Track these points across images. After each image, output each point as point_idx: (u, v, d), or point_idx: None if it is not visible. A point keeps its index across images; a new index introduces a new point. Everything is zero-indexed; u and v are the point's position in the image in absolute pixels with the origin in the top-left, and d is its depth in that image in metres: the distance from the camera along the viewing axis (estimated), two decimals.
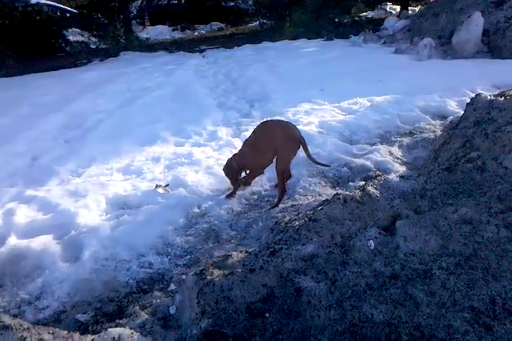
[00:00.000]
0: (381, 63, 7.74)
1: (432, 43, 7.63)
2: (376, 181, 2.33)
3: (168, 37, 18.38)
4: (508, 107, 2.32)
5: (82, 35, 16.64)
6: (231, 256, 2.30)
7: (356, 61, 8.21)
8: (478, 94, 2.75)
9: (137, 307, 2.38)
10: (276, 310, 1.84)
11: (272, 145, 3.15)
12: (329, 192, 3.42)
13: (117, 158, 4.43)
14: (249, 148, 3.39)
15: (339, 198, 2.19)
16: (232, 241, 3.00)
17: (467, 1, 8.13)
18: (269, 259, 2.04)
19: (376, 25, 12.19)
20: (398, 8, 17.21)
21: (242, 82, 7.56)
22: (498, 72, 6.17)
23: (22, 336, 1.57)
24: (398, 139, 4.31)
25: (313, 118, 4.99)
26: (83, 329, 2.24)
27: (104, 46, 14.62)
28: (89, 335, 1.77)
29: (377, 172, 3.60)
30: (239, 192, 3.55)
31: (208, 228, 3.14)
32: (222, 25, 20.61)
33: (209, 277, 2.09)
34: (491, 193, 2.06)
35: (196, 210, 3.35)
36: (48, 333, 1.65)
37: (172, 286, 2.56)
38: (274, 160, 3.24)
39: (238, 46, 12.46)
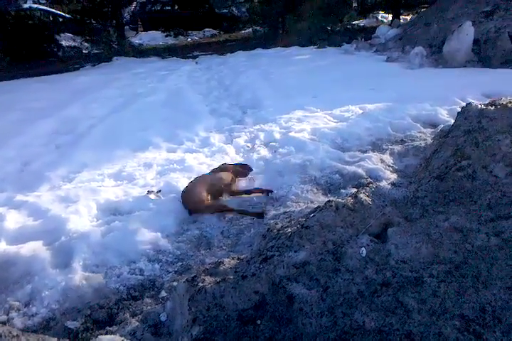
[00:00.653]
0: (373, 71, 7.80)
1: (423, 52, 7.71)
2: (368, 188, 2.35)
3: (161, 42, 18.41)
4: (498, 116, 2.35)
5: (75, 40, 16.64)
6: (223, 262, 2.29)
7: (348, 69, 8.26)
8: (469, 103, 2.79)
9: (128, 314, 2.36)
10: (267, 317, 1.84)
11: None
12: (321, 199, 3.43)
13: (109, 163, 4.41)
14: None
15: (331, 205, 2.20)
16: (224, 247, 2.99)
17: (458, 10, 8.25)
18: (261, 266, 2.05)
19: (368, 33, 12.29)
20: (390, 16, 17.39)
21: (234, 88, 7.58)
22: (488, 81, 6.23)
23: None
24: (390, 147, 4.33)
25: (305, 125, 5.01)
26: (73, 336, 2.23)
27: (96, 51, 14.61)
28: None
29: (369, 180, 3.62)
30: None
31: (200, 234, 3.14)
32: (215, 31, 20.68)
33: (201, 284, 2.09)
34: (481, 201, 2.08)
35: (188, 217, 3.34)
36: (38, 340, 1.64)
37: (163, 293, 2.55)
38: None
39: (231, 53, 12.51)
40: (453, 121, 4.66)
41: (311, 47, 11.91)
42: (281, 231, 2.29)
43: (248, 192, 3.63)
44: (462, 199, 2.13)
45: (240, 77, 8.39)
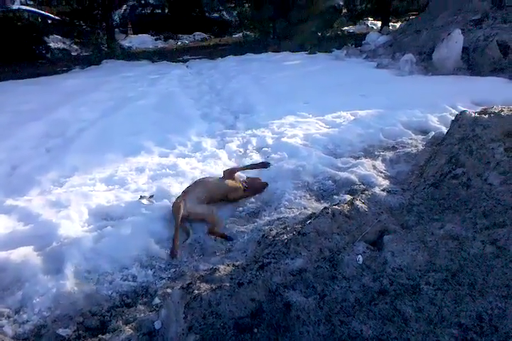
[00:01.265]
0: (363, 77, 7.85)
1: (413, 59, 7.79)
2: (364, 195, 2.35)
3: (150, 46, 18.31)
4: (491, 125, 2.38)
5: (64, 43, 16.50)
6: (218, 269, 2.28)
7: (339, 75, 8.31)
8: (463, 112, 2.82)
9: (121, 322, 2.33)
10: (264, 326, 1.82)
11: None
12: (314, 205, 3.43)
13: (100, 168, 4.37)
14: None
15: (328, 212, 2.20)
16: (218, 253, 2.98)
17: (447, 18, 8.36)
18: (258, 273, 2.03)
19: (358, 39, 12.38)
20: (379, 23, 17.55)
21: (226, 93, 7.57)
22: (477, 88, 6.32)
23: None
24: (381, 153, 4.36)
25: (297, 130, 5.02)
26: None
27: (85, 54, 14.50)
28: None
29: (362, 186, 3.64)
30: (225, 205, 3.56)
31: (193, 240, 3.12)
32: (206, 35, 20.64)
33: (196, 291, 2.07)
34: (476, 209, 2.10)
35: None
36: None
37: (157, 300, 2.52)
38: None
39: (222, 57, 12.49)
40: (443, 128, 4.75)
41: (302, 52, 11.96)
42: (277, 238, 2.28)
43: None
44: (457, 206, 2.15)
45: (231, 81, 8.38)
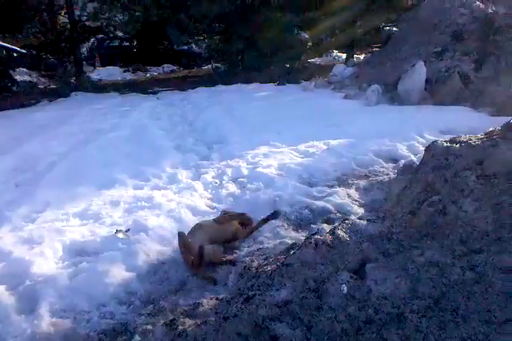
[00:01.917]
0: (333, 108, 8.05)
1: (379, 90, 8.07)
2: (345, 225, 2.39)
3: (119, 78, 18.33)
4: (463, 154, 2.49)
5: (30, 75, 16.37)
6: (201, 303, 2.25)
7: (309, 105, 8.49)
8: (435, 141, 2.94)
9: None
10: None
11: None
12: (293, 234, 3.45)
13: (73, 202, 4.28)
14: None
15: (311, 242, 2.22)
16: (197, 287, 2.93)
17: (410, 51, 8.76)
18: (243, 306, 2.02)
19: (325, 71, 12.76)
20: (344, 55, 18.18)
21: (198, 124, 7.61)
22: (442, 118, 6.58)
23: None
24: (355, 182, 4.45)
25: (272, 160, 5.08)
26: None
27: (53, 86, 14.38)
28: None
29: (339, 215, 3.69)
30: None
31: (173, 274, 3.06)
32: (175, 67, 20.87)
33: (181, 327, 2.04)
34: (454, 236, 2.16)
35: (159, 256, 3.26)
36: None
37: (137, 337, 2.44)
38: None
39: (192, 89, 12.60)
40: (412, 156, 4.92)
41: (271, 84, 12.23)
42: (260, 270, 2.28)
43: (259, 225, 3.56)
44: (435, 234, 2.21)
45: (203, 112, 8.44)
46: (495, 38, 8.06)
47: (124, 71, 19.85)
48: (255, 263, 2.56)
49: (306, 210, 3.84)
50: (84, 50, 19.72)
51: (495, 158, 2.36)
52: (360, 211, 3.78)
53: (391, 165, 4.86)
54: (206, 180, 4.71)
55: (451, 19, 8.74)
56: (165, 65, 20.79)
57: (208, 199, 4.30)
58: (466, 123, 5.93)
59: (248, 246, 3.30)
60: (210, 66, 17.63)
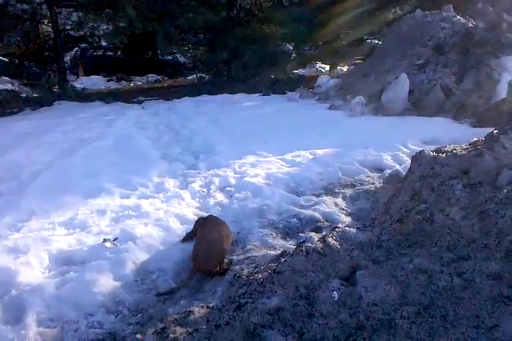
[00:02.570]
0: (318, 118, 8.15)
1: (363, 101, 8.21)
2: (335, 233, 2.42)
3: (103, 87, 18.21)
4: (449, 163, 2.55)
5: (12, 84, 16.18)
6: (192, 312, 2.24)
7: (295, 115, 8.57)
8: (421, 151, 3.00)
9: None
10: None
11: None
12: (281, 243, 3.47)
13: (59, 211, 4.23)
14: None
15: (302, 250, 2.24)
16: (186, 295, 2.92)
17: (393, 63, 8.92)
18: (235, 314, 2.02)
19: (310, 82, 12.91)
20: (327, 67, 18.40)
21: (185, 133, 7.60)
22: (425, 128, 6.71)
23: None
24: (341, 191, 4.50)
25: (259, 170, 5.11)
26: None
27: (35, 95, 14.22)
28: None
29: (326, 223, 3.73)
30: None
31: (161, 283, 3.05)
32: (159, 77, 20.84)
33: (172, 335, 2.03)
34: (441, 243, 2.20)
35: (147, 265, 3.25)
36: None
37: None
38: None
39: (177, 98, 12.57)
40: (397, 165, 4.99)
41: (257, 94, 12.29)
42: (251, 277, 2.28)
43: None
44: (423, 241, 2.25)
45: (189, 122, 8.44)
46: (475, 52, 8.27)
47: (108, 80, 19.73)
48: (245, 272, 2.56)
49: (294, 219, 3.87)
50: (67, 58, 19.58)
51: (480, 167, 2.42)
52: (347, 220, 3.83)
53: (376, 174, 4.93)
54: (194, 189, 4.71)
55: (433, 33, 8.94)
56: (149, 75, 20.72)
57: (196, 208, 4.30)
58: (449, 134, 6.06)
59: (236, 255, 3.31)
60: (194, 76, 17.62)
